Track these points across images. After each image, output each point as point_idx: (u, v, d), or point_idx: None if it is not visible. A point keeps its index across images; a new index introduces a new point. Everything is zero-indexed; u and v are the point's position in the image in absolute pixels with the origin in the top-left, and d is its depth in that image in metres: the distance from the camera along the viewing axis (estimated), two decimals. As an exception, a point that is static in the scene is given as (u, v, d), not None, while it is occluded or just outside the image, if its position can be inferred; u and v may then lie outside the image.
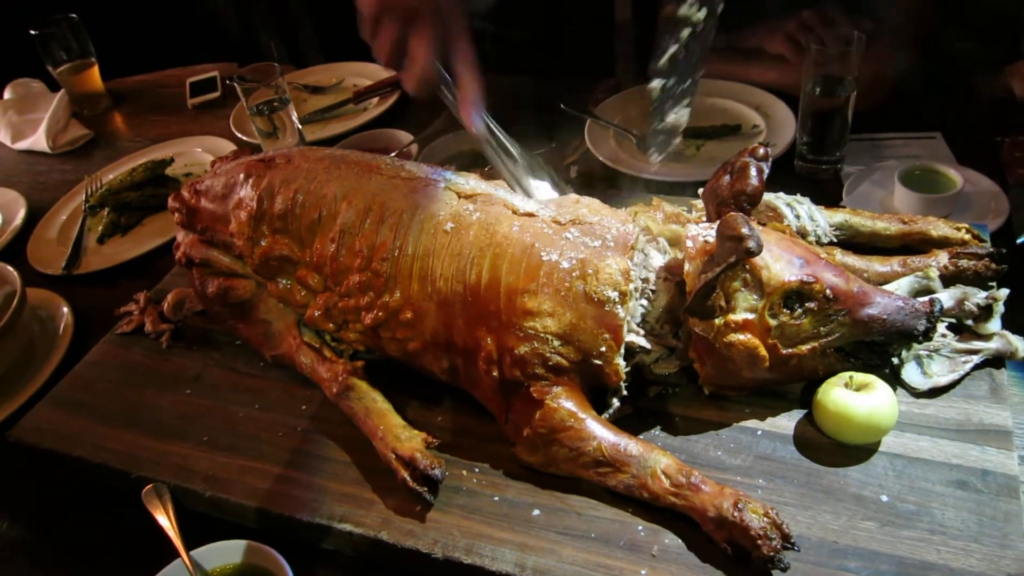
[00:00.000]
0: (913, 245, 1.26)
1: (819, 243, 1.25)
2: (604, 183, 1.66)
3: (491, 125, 1.27)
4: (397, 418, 1.13)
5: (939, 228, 1.24)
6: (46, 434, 1.25)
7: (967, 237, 1.22)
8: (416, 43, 1.17)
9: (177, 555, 1.04)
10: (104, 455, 1.21)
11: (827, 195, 1.35)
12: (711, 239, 1.04)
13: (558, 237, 1.07)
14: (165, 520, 1.10)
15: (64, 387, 1.34)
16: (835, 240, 1.27)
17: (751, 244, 0.93)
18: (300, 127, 1.82)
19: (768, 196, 1.28)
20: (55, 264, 1.76)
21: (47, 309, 1.61)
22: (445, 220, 1.11)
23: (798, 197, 1.29)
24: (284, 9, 3.06)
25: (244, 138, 2.10)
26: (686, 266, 1.05)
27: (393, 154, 1.81)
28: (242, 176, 1.23)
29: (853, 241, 1.28)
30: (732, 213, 0.98)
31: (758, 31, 1.88)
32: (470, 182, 1.17)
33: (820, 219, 1.26)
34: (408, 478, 1.04)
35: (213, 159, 1.40)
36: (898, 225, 1.26)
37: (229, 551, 1.03)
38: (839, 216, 1.27)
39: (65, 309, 1.59)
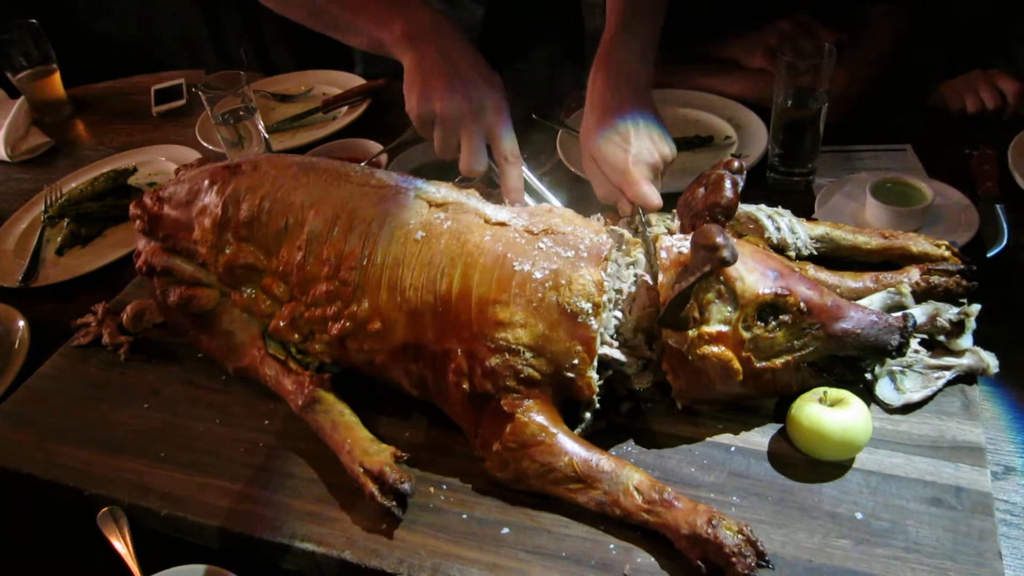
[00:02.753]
0: (892, 260, 1.26)
1: (798, 257, 1.25)
2: (576, 194, 1.64)
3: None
4: (365, 431, 1.10)
5: (919, 244, 1.24)
6: (-4, 450, 1.20)
7: (947, 254, 1.22)
8: (466, 139, 1.30)
9: (134, 579, 1.00)
10: (56, 472, 1.16)
11: (799, 207, 1.34)
12: (685, 250, 1.03)
13: (530, 247, 1.05)
14: (121, 545, 1.06)
15: (15, 401, 1.30)
16: (815, 253, 1.26)
17: (726, 254, 0.92)
18: (267, 136, 1.79)
19: (749, 208, 1.27)
20: (12, 276, 1.71)
21: (2, 323, 1.55)
22: (415, 229, 1.08)
23: (779, 209, 1.29)
24: (255, 15, 3.03)
25: (209, 147, 2.06)
26: (660, 277, 1.04)
27: (363, 164, 1.79)
28: (207, 183, 1.20)
29: (833, 255, 1.28)
30: (707, 224, 0.96)
31: (732, 43, 1.89)
32: (441, 191, 1.15)
33: (800, 232, 1.26)
34: (377, 492, 1.01)
35: (177, 167, 1.36)
36: (879, 240, 1.26)
37: None
38: (819, 229, 1.27)
39: (21, 323, 1.53)
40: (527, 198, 1.35)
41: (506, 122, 1.31)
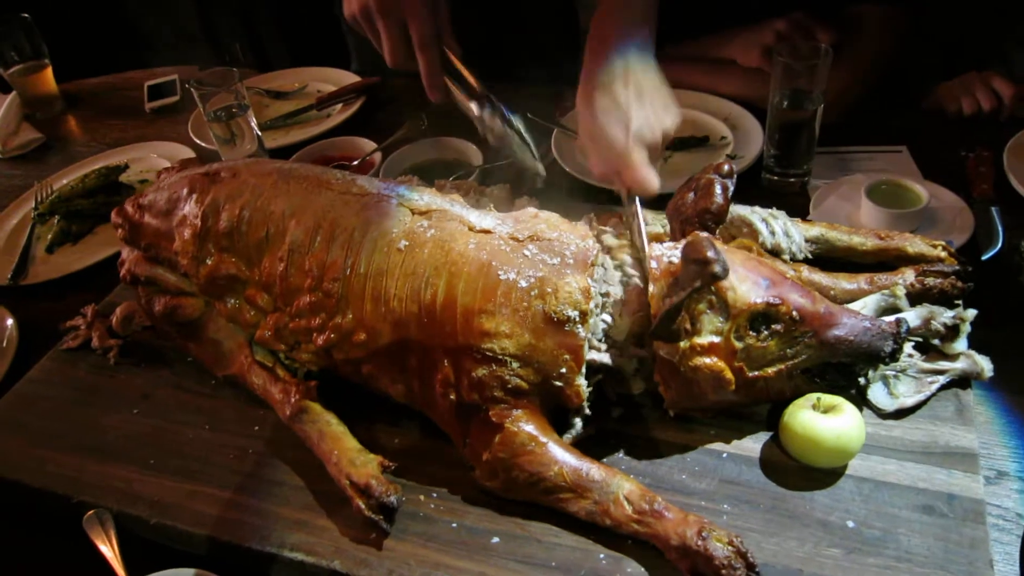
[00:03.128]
0: (888, 261, 1.25)
1: (792, 259, 1.24)
2: (570, 194, 1.63)
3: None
4: (352, 441, 1.09)
5: (916, 245, 1.23)
6: (-17, 457, 1.20)
7: (943, 255, 1.21)
8: (384, 32, 1.26)
9: (120, 586, 0.99)
10: (43, 479, 1.15)
11: (794, 209, 1.33)
12: (675, 259, 1.02)
13: (516, 255, 1.04)
14: (107, 549, 1.05)
15: (3, 406, 1.29)
16: (810, 255, 1.25)
17: (717, 268, 0.91)
18: (259, 134, 1.77)
19: (743, 210, 1.26)
20: (1, 274, 1.69)
21: (-9, 321, 1.54)
22: (398, 238, 1.07)
23: (773, 212, 1.27)
24: (250, 11, 3.01)
25: (202, 144, 2.04)
26: (651, 287, 1.03)
27: (356, 162, 1.78)
28: (185, 191, 1.18)
29: (828, 256, 1.27)
30: (697, 235, 0.95)
31: (729, 42, 1.87)
32: (424, 198, 1.13)
33: (795, 234, 1.24)
34: (363, 506, 1.00)
35: (159, 171, 1.35)
36: (874, 240, 1.24)
37: (175, 581, 0.99)
38: (815, 230, 1.26)
39: (10, 321, 1.52)
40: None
41: (418, 8, 1.24)
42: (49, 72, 2.38)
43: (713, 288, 0.98)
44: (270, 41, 2.99)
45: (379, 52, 1.32)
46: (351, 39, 2.46)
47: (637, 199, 1.19)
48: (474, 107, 1.30)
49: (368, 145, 1.85)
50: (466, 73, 1.30)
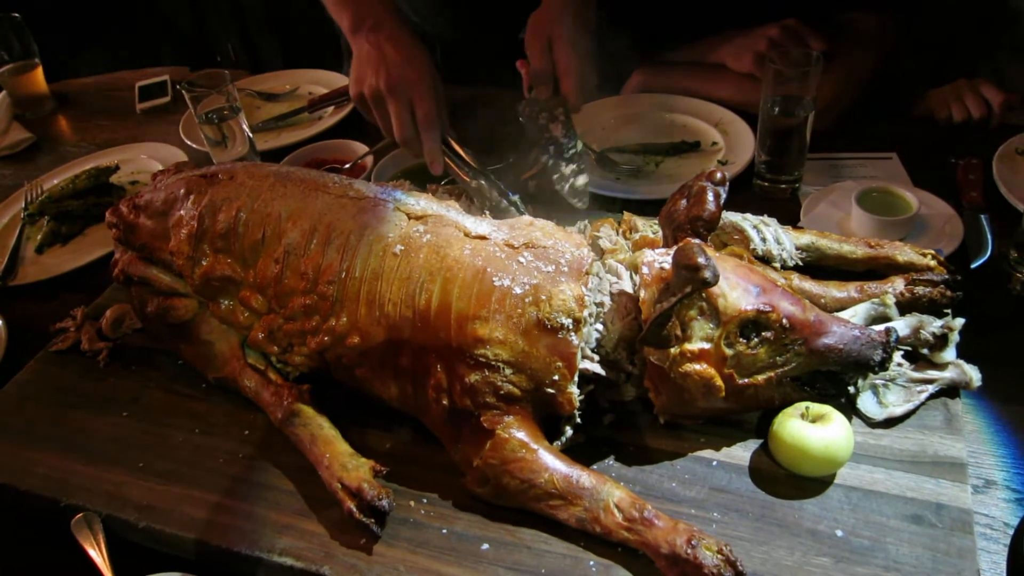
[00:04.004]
0: (878, 269, 1.25)
1: (783, 266, 1.24)
2: (562, 199, 1.63)
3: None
4: (344, 445, 1.09)
5: (905, 253, 1.24)
6: (-31, 459, 1.19)
7: (933, 263, 1.22)
8: (393, 112, 1.47)
9: (107, 590, 0.99)
10: (31, 481, 1.15)
11: (785, 215, 1.34)
12: (667, 266, 1.02)
13: (511, 261, 1.04)
14: (95, 552, 1.05)
15: (-8, 408, 1.28)
16: (801, 263, 1.25)
17: (707, 275, 0.91)
18: (251, 136, 1.77)
19: (735, 217, 1.26)
20: (-10, 274, 1.69)
21: (-20, 323, 1.53)
22: (394, 242, 1.07)
23: (764, 219, 1.28)
24: (242, 12, 3.00)
25: (193, 145, 2.04)
26: (642, 293, 1.03)
27: (347, 166, 1.78)
28: (182, 192, 1.18)
29: (819, 264, 1.27)
30: (688, 241, 0.96)
31: (721, 47, 1.88)
32: (420, 202, 1.14)
33: (786, 241, 1.25)
34: (354, 509, 1.00)
35: (155, 172, 1.35)
36: (864, 248, 1.25)
37: (163, 585, 0.99)
38: (805, 238, 1.27)
39: (-1, 322, 1.52)
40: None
41: (424, 92, 1.44)
42: (39, 72, 2.37)
43: (704, 295, 0.99)
44: (262, 42, 2.98)
45: (385, 132, 1.53)
46: (344, 41, 2.46)
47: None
48: (471, 181, 1.46)
49: (360, 148, 1.85)
50: (463, 153, 1.50)
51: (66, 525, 1.08)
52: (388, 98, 1.46)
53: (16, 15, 2.23)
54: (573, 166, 1.48)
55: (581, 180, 1.50)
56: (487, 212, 1.33)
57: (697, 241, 0.98)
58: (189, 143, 2.06)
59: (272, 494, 1.09)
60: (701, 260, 0.92)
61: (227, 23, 2.99)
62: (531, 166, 1.76)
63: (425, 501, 1.06)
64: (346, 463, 1.04)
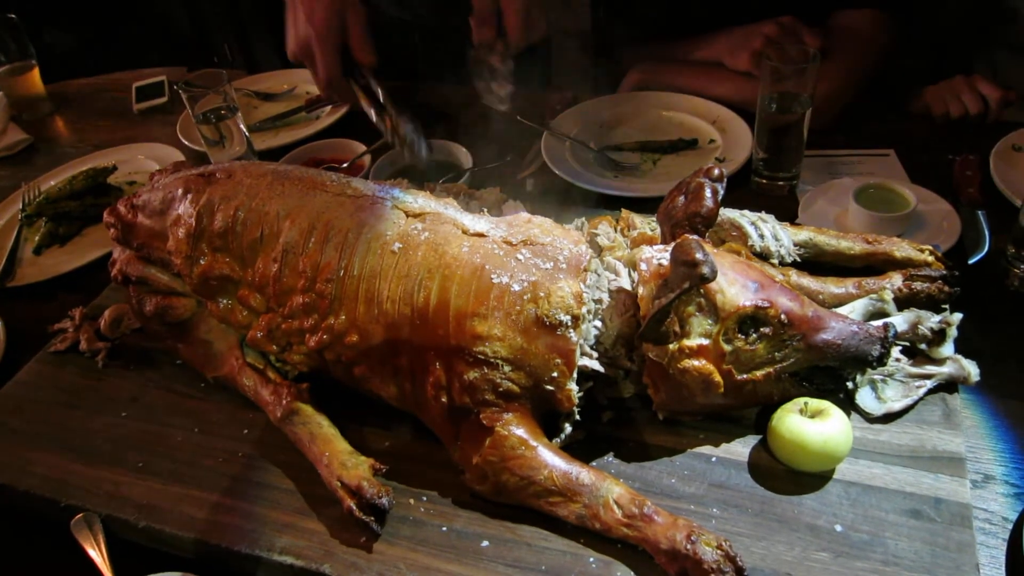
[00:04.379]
0: (876, 265, 1.25)
1: (781, 263, 1.24)
2: (560, 197, 1.63)
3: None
4: (343, 443, 1.09)
5: (903, 249, 1.24)
6: (-32, 459, 1.19)
7: (930, 259, 1.22)
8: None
9: (107, 590, 0.99)
10: (31, 481, 1.15)
11: (783, 211, 1.34)
12: (665, 262, 1.02)
13: (509, 258, 1.04)
14: (95, 553, 1.05)
15: (-9, 409, 1.28)
16: (798, 259, 1.26)
17: (705, 270, 0.91)
18: (248, 136, 1.77)
19: (732, 214, 1.26)
20: (-13, 276, 1.69)
21: (-23, 324, 1.53)
22: (392, 240, 1.07)
23: (762, 215, 1.28)
24: (239, 13, 3.00)
25: (191, 146, 2.04)
26: (640, 289, 1.03)
27: (345, 165, 1.78)
28: (180, 191, 1.18)
29: (816, 260, 1.27)
30: (687, 237, 0.96)
31: (716, 45, 1.88)
32: (419, 200, 1.14)
33: (784, 238, 1.25)
34: (354, 507, 1.00)
35: (152, 172, 1.35)
36: (862, 245, 1.25)
37: (162, 585, 0.99)
38: (803, 234, 1.27)
39: (-3, 323, 1.52)
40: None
41: (321, 42, 1.44)
42: (36, 73, 2.36)
43: (702, 290, 0.99)
44: (258, 42, 2.97)
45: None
46: None
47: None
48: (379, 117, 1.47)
49: (358, 147, 1.85)
50: (377, 88, 1.48)
51: (66, 525, 1.08)
52: (302, 59, 1.51)
53: (12, 16, 2.23)
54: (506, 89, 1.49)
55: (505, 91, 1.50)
56: (405, 153, 1.40)
57: (695, 237, 0.98)
58: (187, 143, 2.06)
59: (271, 493, 1.09)
60: (699, 256, 0.92)
61: (223, 23, 2.99)
62: (528, 165, 1.77)
63: (425, 499, 1.06)
64: (345, 461, 1.04)
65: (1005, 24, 1.81)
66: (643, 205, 1.50)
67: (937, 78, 1.79)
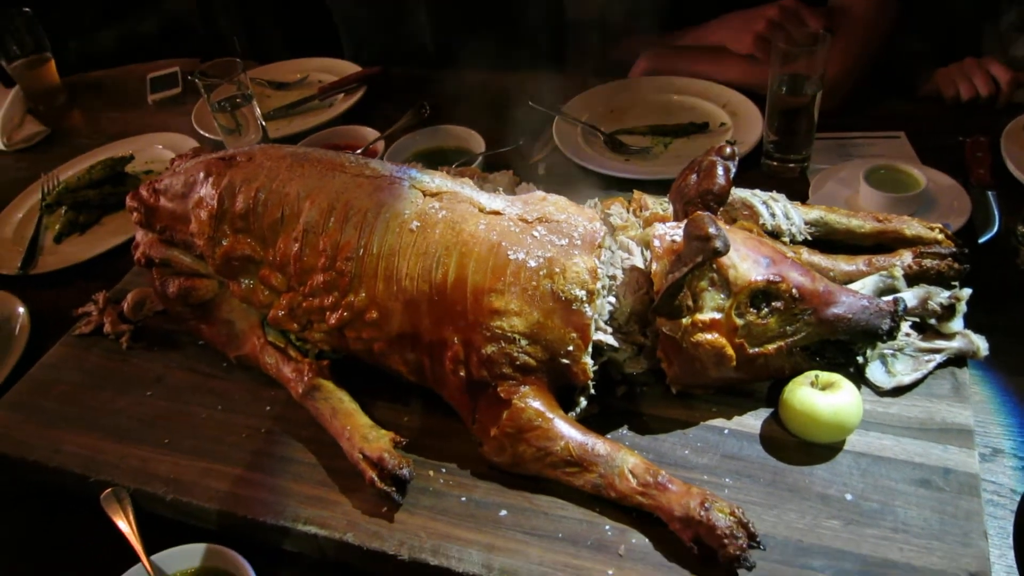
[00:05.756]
0: (886, 243, 1.26)
1: (792, 241, 1.26)
2: (572, 180, 1.65)
3: None
4: (364, 418, 1.11)
5: (913, 227, 1.25)
6: (1, 439, 1.22)
7: (940, 237, 1.23)
8: None
9: (137, 560, 1.02)
10: (61, 459, 1.18)
11: (794, 194, 1.35)
12: (678, 238, 1.04)
13: (525, 235, 1.06)
14: (125, 524, 1.08)
15: (20, 390, 1.31)
16: (809, 238, 1.27)
17: (718, 244, 0.93)
18: (263, 123, 1.79)
19: (744, 193, 1.28)
20: (11, 264, 1.72)
21: (2, 310, 1.56)
22: (410, 219, 1.09)
23: (774, 194, 1.29)
24: (247, 3, 3.02)
25: (206, 135, 2.07)
26: (654, 265, 1.05)
27: (359, 151, 1.80)
28: (202, 174, 1.20)
29: (827, 238, 1.29)
30: (699, 212, 0.97)
31: (720, 29, 1.89)
32: (436, 180, 1.16)
33: (795, 216, 1.27)
34: (376, 478, 1.03)
35: (173, 157, 1.37)
36: (872, 223, 1.26)
37: (191, 555, 1.02)
38: (814, 213, 1.28)
39: (21, 310, 1.55)
40: None
41: None
42: (52, 65, 2.40)
43: (714, 265, 1.01)
44: (267, 32, 3.00)
45: None
46: (342, 29, 2.48)
47: None
48: None
49: (371, 134, 1.87)
50: None
51: (95, 501, 1.11)
52: None
53: (27, 9, 2.26)
54: None
55: None
56: None
57: (708, 213, 0.99)
58: (202, 132, 2.09)
59: (295, 467, 1.12)
60: (712, 230, 0.94)
61: (233, 15, 3.01)
62: (540, 150, 1.79)
63: (444, 471, 1.08)
64: (367, 434, 1.07)
65: (1016, 5, 1.81)
66: (655, 187, 1.51)
67: (947, 60, 1.80)
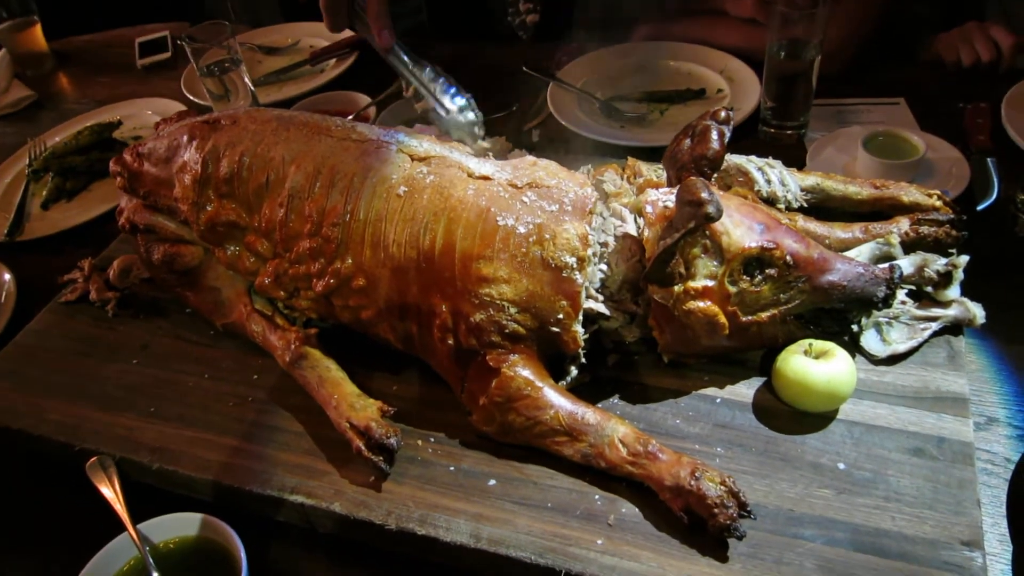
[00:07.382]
0: (883, 210, 1.25)
1: (788, 208, 1.24)
2: (566, 147, 1.63)
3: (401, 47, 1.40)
4: (352, 387, 1.10)
5: (910, 194, 1.23)
6: (-15, 406, 1.21)
7: (938, 204, 1.21)
8: None
9: (123, 529, 1.01)
10: (46, 427, 1.17)
11: (791, 160, 1.33)
12: (671, 204, 1.02)
13: (514, 201, 1.04)
14: (110, 492, 1.07)
15: (4, 357, 1.30)
16: (805, 205, 1.25)
17: (710, 209, 0.91)
18: (253, 89, 1.76)
19: (739, 159, 1.26)
20: (-3, 230, 1.70)
21: (-12, 276, 1.55)
22: (398, 184, 1.07)
23: (769, 161, 1.27)
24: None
25: (195, 100, 2.03)
26: (646, 232, 1.03)
27: (350, 117, 1.77)
28: (186, 138, 1.18)
29: (824, 205, 1.27)
30: (692, 178, 0.95)
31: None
32: (424, 144, 1.13)
33: (791, 183, 1.25)
34: (363, 447, 1.02)
35: (157, 121, 1.34)
36: (869, 190, 1.25)
37: (178, 524, 1.01)
38: (810, 179, 1.26)
39: (7, 277, 1.53)
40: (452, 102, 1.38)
41: None
42: (38, 29, 2.36)
43: (707, 231, 0.99)
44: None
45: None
46: None
47: None
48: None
49: (363, 100, 1.84)
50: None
51: (81, 470, 1.10)
52: None
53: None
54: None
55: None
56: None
57: (701, 178, 0.97)
58: (191, 97, 2.05)
59: (282, 435, 1.11)
60: (704, 195, 0.92)
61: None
62: (534, 116, 1.76)
63: (432, 440, 1.07)
64: (354, 403, 1.06)
65: None
66: (650, 154, 1.48)
67: (949, 25, 1.76)
